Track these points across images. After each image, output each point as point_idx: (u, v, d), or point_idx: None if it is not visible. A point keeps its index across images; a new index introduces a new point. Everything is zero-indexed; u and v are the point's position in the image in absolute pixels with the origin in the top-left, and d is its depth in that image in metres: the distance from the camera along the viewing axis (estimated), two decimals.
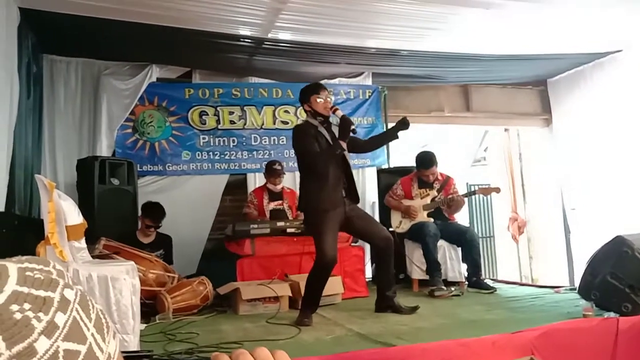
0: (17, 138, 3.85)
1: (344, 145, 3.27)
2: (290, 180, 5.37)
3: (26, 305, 0.42)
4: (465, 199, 4.82)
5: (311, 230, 3.42)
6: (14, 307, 0.41)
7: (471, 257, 4.53)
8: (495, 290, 4.32)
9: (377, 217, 5.48)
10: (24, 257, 0.47)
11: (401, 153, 6.96)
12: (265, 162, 5.30)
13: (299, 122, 5.61)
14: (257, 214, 4.79)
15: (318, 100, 3.35)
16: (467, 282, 4.53)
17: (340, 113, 3.31)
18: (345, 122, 3.25)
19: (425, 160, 4.75)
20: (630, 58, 5.58)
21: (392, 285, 3.54)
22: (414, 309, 3.40)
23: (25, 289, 0.43)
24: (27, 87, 4.18)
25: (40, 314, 0.42)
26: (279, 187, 4.91)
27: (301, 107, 5.70)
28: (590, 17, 4.50)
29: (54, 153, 4.94)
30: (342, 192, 3.37)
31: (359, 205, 3.59)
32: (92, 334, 0.45)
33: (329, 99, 3.39)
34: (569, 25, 4.67)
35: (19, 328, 0.41)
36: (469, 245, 4.53)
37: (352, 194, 3.44)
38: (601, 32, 5.00)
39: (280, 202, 4.87)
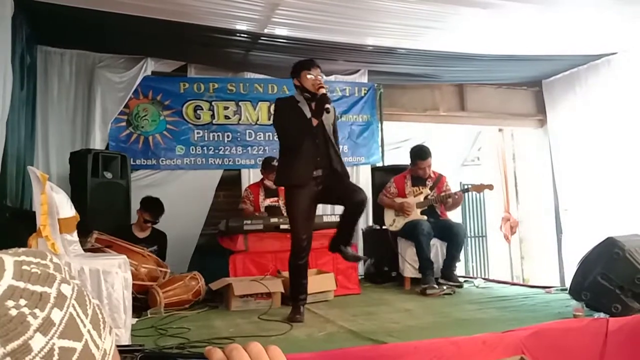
0: (10, 130, 3.82)
1: (315, 122, 3.18)
2: None
3: (22, 301, 0.41)
4: (464, 195, 4.85)
5: (286, 207, 3.49)
6: (10, 303, 0.41)
7: (450, 249, 4.54)
8: (462, 287, 4.41)
9: (370, 215, 5.50)
10: (21, 250, 0.46)
11: (395, 151, 7.00)
12: (260, 158, 5.30)
13: None
14: (253, 209, 4.79)
15: (308, 76, 3.26)
16: (441, 274, 4.53)
17: (322, 91, 3.18)
18: (320, 100, 3.17)
19: (421, 152, 4.76)
20: (625, 61, 5.62)
21: (350, 240, 3.43)
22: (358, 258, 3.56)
23: (21, 284, 0.42)
24: (21, 79, 4.15)
25: (36, 311, 0.42)
26: None
27: (275, 100, 5.74)
28: (585, 19, 4.52)
29: (46, 145, 4.90)
30: (314, 168, 3.26)
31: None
32: (88, 330, 0.45)
33: (320, 77, 3.27)
34: (564, 26, 4.69)
35: (15, 325, 0.40)
36: (452, 239, 4.53)
37: (331, 170, 3.29)
38: (596, 35, 5.03)
39: (275, 198, 4.86)
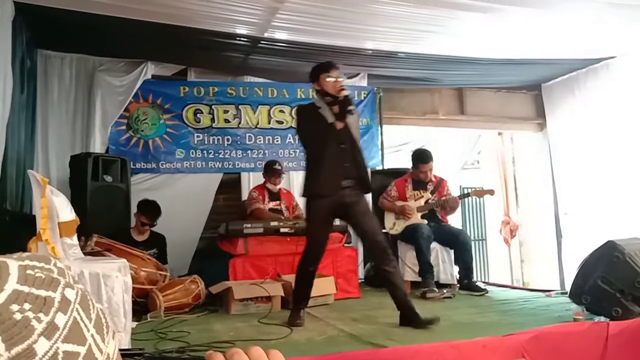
0: (10, 133, 3.82)
1: (339, 126, 3.09)
2: (285, 182, 5.36)
3: (26, 305, 0.41)
4: (460, 200, 4.86)
5: (307, 215, 3.32)
6: (14, 307, 0.41)
7: (463, 259, 4.55)
8: (487, 293, 4.34)
9: None
10: (25, 254, 0.47)
11: (395, 155, 7.00)
12: (260, 162, 5.31)
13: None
14: None
15: (328, 79, 3.16)
16: (458, 285, 4.55)
17: (344, 93, 3.09)
18: (343, 102, 3.07)
19: (423, 155, 4.78)
20: (624, 64, 5.62)
21: (408, 297, 3.23)
22: (432, 322, 3.03)
23: (25, 288, 0.42)
24: (21, 82, 4.15)
25: (41, 315, 0.42)
26: (277, 187, 4.90)
27: (296, 108, 5.75)
28: (585, 23, 4.53)
29: (46, 149, 4.90)
30: (342, 177, 3.15)
31: None
32: (92, 335, 0.45)
33: (340, 79, 3.17)
34: (563, 30, 4.70)
35: (19, 329, 0.40)
36: (461, 247, 4.55)
37: (360, 182, 3.23)
38: (595, 39, 5.04)
39: (277, 202, 4.87)
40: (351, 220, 3.33)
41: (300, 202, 5.18)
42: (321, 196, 3.16)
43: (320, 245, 3.23)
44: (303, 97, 5.80)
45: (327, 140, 3.12)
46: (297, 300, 3.32)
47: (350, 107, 3.06)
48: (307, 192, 3.27)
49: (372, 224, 3.26)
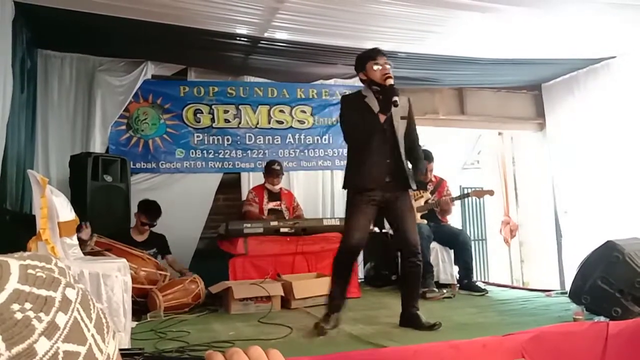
0: (10, 133, 3.82)
1: (383, 118, 2.92)
2: (285, 181, 5.36)
3: (27, 305, 0.42)
4: (457, 202, 4.86)
5: (346, 211, 3.11)
6: (15, 307, 0.41)
7: (463, 259, 4.56)
8: (487, 293, 4.35)
9: None
10: (26, 254, 0.47)
11: None
12: (260, 162, 5.32)
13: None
14: (258, 212, 4.78)
15: (374, 67, 2.97)
16: (458, 285, 4.55)
17: (389, 82, 2.89)
18: (387, 92, 2.88)
19: (424, 155, 4.77)
20: (624, 64, 5.63)
21: (416, 300, 3.14)
22: (433, 326, 2.97)
23: (26, 288, 0.43)
24: (21, 82, 4.15)
25: (41, 314, 0.42)
26: (277, 187, 4.90)
27: (297, 107, 5.76)
28: (585, 23, 4.53)
29: (46, 149, 4.90)
30: (385, 172, 2.98)
31: None
32: (92, 335, 0.45)
33: (387, 66, 2.98)
34: (564, 31, 4.70)
35: (20, 328, 0.40)
36: (461, 247, 4.56)
37: (399, 179, 3.03)
38: (596, 39, 5.04)
39: (278, 202, 4.87)
40: (391, 215, 3.16)
41: (301, 202, 5.19)
42: (365, 190, 3.00)
43: (360, 240, 3.03)
44: (303, 97, 5.81)
45: (373, 131, 2.94)
46: (329, 298, 3.11)
47: (395, 98, 2.84)
48: (349, 185, 3.10)
49: (410, 224, 3.10)
